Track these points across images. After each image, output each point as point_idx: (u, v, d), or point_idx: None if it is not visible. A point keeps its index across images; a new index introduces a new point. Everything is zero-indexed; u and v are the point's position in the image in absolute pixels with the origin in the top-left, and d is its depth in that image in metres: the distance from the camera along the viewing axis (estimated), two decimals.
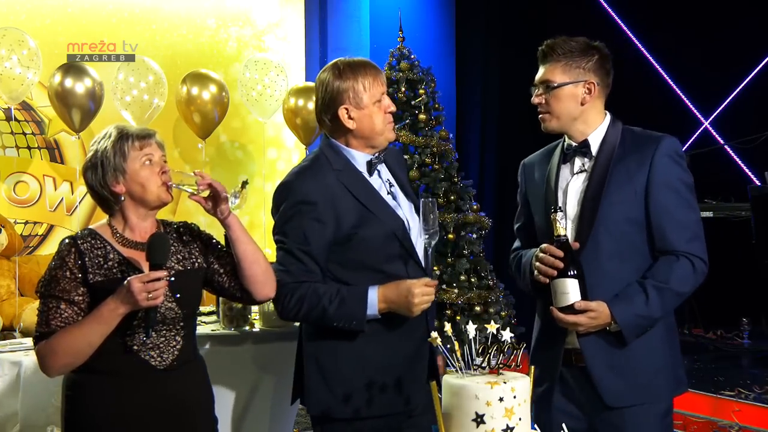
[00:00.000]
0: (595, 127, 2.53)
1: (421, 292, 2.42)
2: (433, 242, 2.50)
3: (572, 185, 2.54)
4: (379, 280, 2.49)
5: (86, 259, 2.34)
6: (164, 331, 2.40)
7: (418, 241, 2.59)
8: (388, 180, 2.65)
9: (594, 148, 2.52)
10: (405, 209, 2.62)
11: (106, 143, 2.40)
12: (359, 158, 2.62)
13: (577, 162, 2.55)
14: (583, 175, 2.53)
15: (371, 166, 2.61)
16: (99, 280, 2.34)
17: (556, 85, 2.49)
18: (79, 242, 2.36)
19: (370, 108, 2.58)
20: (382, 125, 2.59)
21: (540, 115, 2.56)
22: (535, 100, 2.55)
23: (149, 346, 2.38)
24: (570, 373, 2.52)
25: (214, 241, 2.59)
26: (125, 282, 2.25)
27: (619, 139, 2.51)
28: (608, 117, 2.57)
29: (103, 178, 2.40)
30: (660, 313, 2.43)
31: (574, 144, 2.55)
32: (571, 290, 2.35)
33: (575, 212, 2.50)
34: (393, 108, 2.63)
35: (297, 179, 2.58)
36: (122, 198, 2.41)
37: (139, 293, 2.22)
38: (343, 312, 2.47)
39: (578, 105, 2.50)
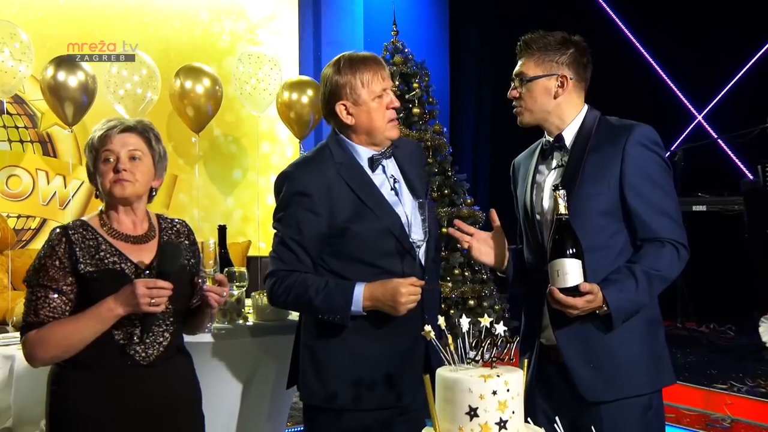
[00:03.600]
0: (570, 121, 2.53)
1: (408, 292, 2.41)
2: (423, 244, 2.50)
3: (548, 181, 2.53)
4: (374, 274, 2.49)
5: (77, 249, 2.34)
6: (154, 327, 2.40)
7: (423, 241, 2.57)
8: (392, 176, 2.63)
9: (568, 142, 2.51)
10: (407, 206, 2.59)
11: (91, 141, 2.46)
12: (363, 153, 2.61)
13: (555, 158, 2.54)
14: (559, 170, 2.51)
15: (373, 162, 2.61)
16: (90, 270, 2.33)
17: (528, 78, 2.49)
18: (70, 232, 2.36)
19: (369, 104, 2.57)
20: (381, 122, 2.58)
21: (515, 110, 2.56)
22: (510, 93, 2.56)
23: (135, 340, 2.37)
24: (549, 370, 2.50)
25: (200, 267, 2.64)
26: (131, 284, 2.27)
27: (594, 130, 2.50)
28: (584, 110, 2.55)
29: (88, 171, 2.48)
30: (647, 299, 2.42)
31: (551, 140, 2.55)
32: (571, 271, 2.29)
33: (548, 206, 2.50)
34: (396, 104, 2.61)
35: (296, 170, 2.60)
36: (97, 194, 2.48)
37: (142, 297, 2.24)
38: (328, 305, 2.49)
39: (551, 98, 2.50)
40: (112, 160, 2.41)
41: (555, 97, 2.50)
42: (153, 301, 2.26)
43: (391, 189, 2.61)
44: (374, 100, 2.57)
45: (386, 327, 2.52)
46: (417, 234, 2.51)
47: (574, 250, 2.30)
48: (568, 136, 2.52)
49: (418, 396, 2.53)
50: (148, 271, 2.40)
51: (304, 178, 2.56)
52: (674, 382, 2.58)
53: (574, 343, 2.42)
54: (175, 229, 2.58)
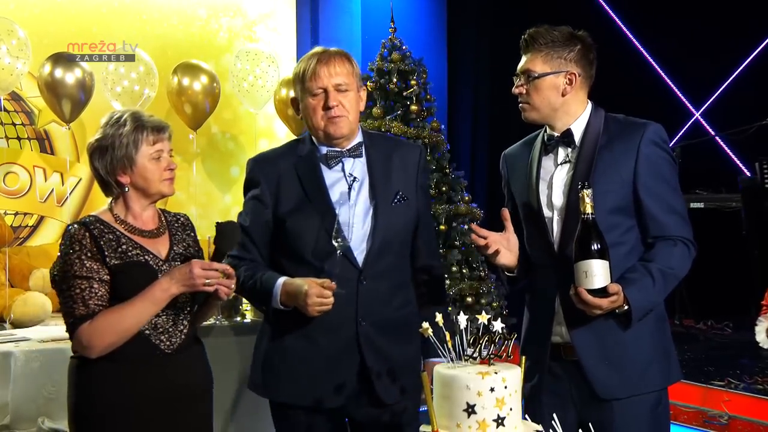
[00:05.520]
0: (577, 116, 2.50)
1: (315, 293, 2.38)
2: (345, 246, 2.44)
3: (557, 176, 2.51)
4: (307, 271, 2.49)
5: (101, 242, 2.37)
6: (173, 315, 2.42)
7: (365, 243, 2.54)
8: (351, 174, 2.58)
9: (577, 138, 2.49)
10: (359, 207, 2.56)
11: (121, 130, 2.44)
12: (321, 149, 2.61)
13: (561, 153, 2.52)
14: (567, 166, 2.50)
15: (327, 159, 2.58)
16: (116, 263, 2.37)
17: (536, 75, 2.45)
18: (90, 227, 2.39)
19: (306, 101, 2.57)
20: (316, 120, 2.55)
21: (520, 105, 2.53)
22: (515, 90, 2.51)
23: (160, 330, 2.42)
24: (560, 368, 2.49)
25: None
26: (187, 264, 2.35)
27: (603, 127, 2.48)
28: (590, 106, 2.54)
29: (110, 165, 2.45)
30: (663, 297, 2.44)
31: (555, 134, 2.52)
32: (599, 272, 2.26)
33: (561, 203, 2.48)
34: (330, 104, 2.52)
35: (257, 159, 2.71)
36: (126, 189, 2.47)
37: (198, 278, 2.32)
38: (256, 296, 2.56)
39: (559, 96, 2.47)
40: (162, 158, 2.48)
41: (563, 95, 2.47)
42: (208, 281, 2.34)
43: (349, 188, 2.57)
44: (309, 98, 2.55)
45: (317, 326, 2.50)
46: (356, 235, 2.50)
47: (601, 251, 2.27)
48: (577, 132, 2.49)
49: (347, 400, 2.52)
50: (167, 263, 2.46)
51: (257, 168, 2.64)
52: (681, 378, 2.59)
53: (589, 341, 2.42)
54: (180, 222, 2.64)
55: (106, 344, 2.34)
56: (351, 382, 2.52)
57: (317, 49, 2.60)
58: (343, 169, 2.59)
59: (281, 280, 2.48)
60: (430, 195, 4.71)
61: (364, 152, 2.62)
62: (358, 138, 2.63)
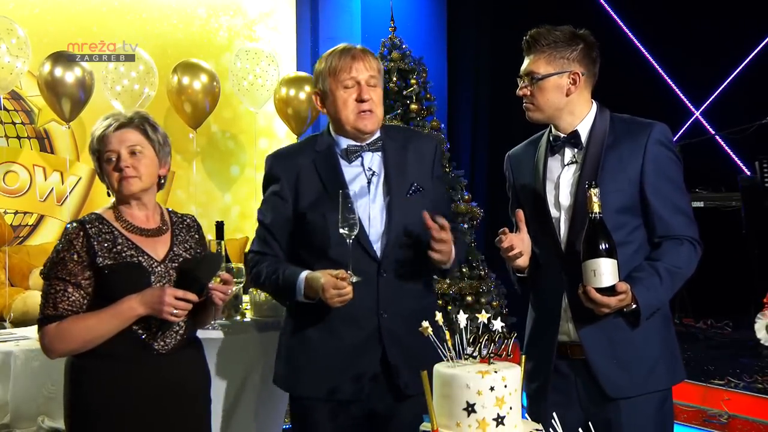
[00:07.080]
0: (583, 116, 2.51)
1: (332, 285, 2.40)
2: (352, 234, 2.42)
3: (564, 176, 2.51)
4: (326, 265, 2.50)
5: (95, 243, 2.38)
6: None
7: (382, 236, 2.56)
8: (370, 169, 2.62)
9: (583, 138, 2.49)
10: (377, 201, 2.59)
11: (91, 142, 2.50)
12: (341, 143, 2.64)
13: (567, 153, 2.52)
14: (574, 166, 2.50)
15: (348, 153, 2.61)
16: (108, 263, 2.38)
17: (540, 76, 2.46)
18: (87, 226, 2.40)
19: (335, 95, 2.59)
20: (346, 114, 2.58)
21: (525, 105, 2.54)
22: (520, 92, 2.52)
23: (154, 330, 2.42)
24: (566, 366, 2.50)
25: None
26: (160, 288, 2.34)
27: (608, 127, 2.49)
28: (595, 106, 2.54)
29: (98, 174, 2.53)
30: (670, 296, 2.46)
31: (562, 135, 2.53)
32: (608, 270, 2.27)
33: (568, 203, 2.48)
34: (364, 97, 2.57)
35: (275, 154, 2.73)
36: (108, 193, 2.51)
37: (167, 305, 2.31)
38: (280, 290, 2.58)
39: (563, 96, 2.48)
40: (114, 159, 2.45)
41: (567, 95, 2.48)
42: (175, 312, 2.32)
43: (368, 182, 2.60)
44: (340, 91, 2.58)
45: (339, 319, 2.53)
46: (375, 229, 2.54)
47: (609, 249, 2.29)
48: (583, 132, 2.50)
49: (369, 392, 2.54)
50: (162, 264, 2.45)
51: (277, 162, 2.67)
52: (686, 377, 2.60)
53: (598, 340, 2.43)
54: (185, 223, 2.64)
55: (67, 350, 2.38)
56: (372, 374, 2.54)
57: (344, 45, 2.66)
58: (362, 164, 2.63)
59: (304, 273, 2.50)
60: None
61: (381, 146, 2.66)
62: (377, 132, 2.67)
